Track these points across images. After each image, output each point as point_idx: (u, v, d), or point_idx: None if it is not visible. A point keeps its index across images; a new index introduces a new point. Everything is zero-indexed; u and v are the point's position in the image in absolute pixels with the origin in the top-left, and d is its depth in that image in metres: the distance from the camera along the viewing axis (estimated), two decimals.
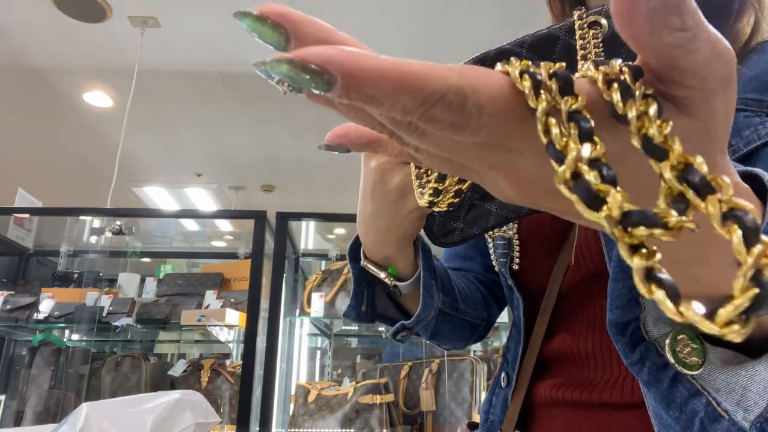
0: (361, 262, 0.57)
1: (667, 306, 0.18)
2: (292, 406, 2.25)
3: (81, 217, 2.98)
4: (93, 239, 2.97)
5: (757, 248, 0.18)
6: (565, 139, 0.20)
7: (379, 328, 3.00)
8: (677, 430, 0.36)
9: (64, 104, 3.87)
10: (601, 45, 0.39)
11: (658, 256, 0.19)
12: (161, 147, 4.59)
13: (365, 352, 3.22)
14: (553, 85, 0.22)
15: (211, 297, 2.52)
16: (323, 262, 2.82)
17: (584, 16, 0.41)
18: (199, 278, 2.66)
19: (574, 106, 0.21)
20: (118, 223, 2.78)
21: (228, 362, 2.49)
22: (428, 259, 0.58)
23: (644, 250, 0.19)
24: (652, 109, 0.21)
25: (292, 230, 2.51)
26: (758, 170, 0.29)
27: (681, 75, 0.22)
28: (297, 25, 0.23)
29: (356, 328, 3.09)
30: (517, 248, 0.61)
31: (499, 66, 0.23)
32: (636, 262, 0.19)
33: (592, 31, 0.39)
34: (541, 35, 0.43)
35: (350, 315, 0.61)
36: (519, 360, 0.61)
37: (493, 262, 0.64)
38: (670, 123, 0.21)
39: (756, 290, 0.18)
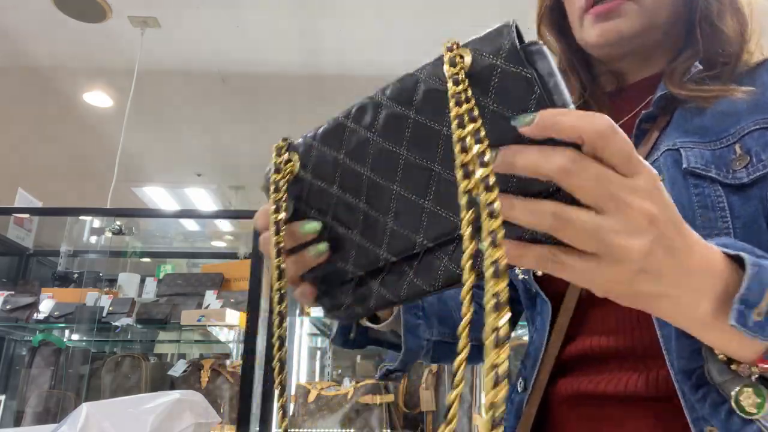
0: None
1: None
2: (292, 406, 2.25)
3: (81, 217, 2.98)
4: (93, 239, 2.97)
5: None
6: None
7: None
8: None
9: (64, 104, 3.87)
10: (466, 80, 0.35)
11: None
12: (161, 147, 4.59)
13: (365, 352, 3.21)
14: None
15: (211, 297, 2.51)
16: None
17: (453, 48, 0.37)
18: (199, 278, 2.66)
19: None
20: (118, 223, 2.78)
21: (228, 362, 2.48)
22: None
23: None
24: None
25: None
26: (741, 253, 0.38)
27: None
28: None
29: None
30: None
31: None
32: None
33: (453, 69, 0.36)
34: (400, 82, 0.40)
35: (336, 342, 0.63)
36: (539, 365, 0.61)
37: (516, 270, 0.63)
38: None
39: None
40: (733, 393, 0.41)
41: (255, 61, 3.38)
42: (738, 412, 0.41)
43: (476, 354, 0.68)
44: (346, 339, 0.62)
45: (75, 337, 2.62)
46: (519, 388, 0.64)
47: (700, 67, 0.59)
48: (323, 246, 0.44)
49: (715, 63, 0.60)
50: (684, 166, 0.53)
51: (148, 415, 0.99)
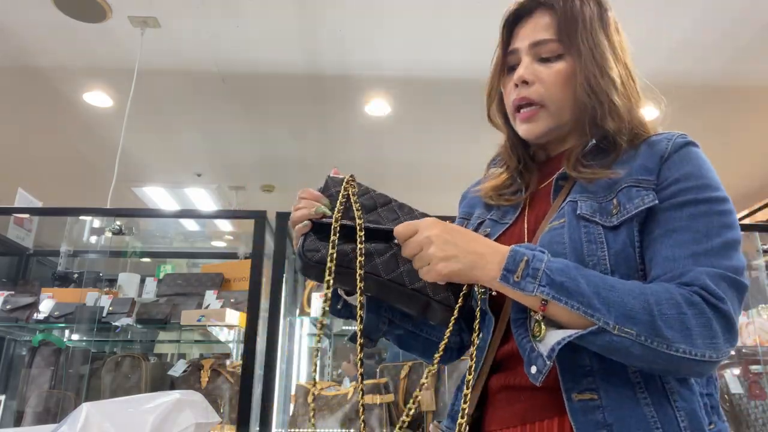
0: None
1: None
2: (292, 406, 2.25)
3: (81, 217, 2.98)
4: (93, 239, 2.97)
5: None
6: None
7: None
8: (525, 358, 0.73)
9: (64, 104, 3.87)
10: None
11: None
12: (161, 147, 4.59)
13: (365, 352, 3.21)
14: None
15: (211, 297, 2.51)
16: None
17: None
18: (199, 278, 2.66)
19: None
20: (118, 223, 2.78)
21: (228, 362, 2.48)
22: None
23: None
24: None
25: (292, 230, 2.51)
26: (514, 246, 0.74)
27: None
28: None
29: (356, 328, 3.09)
30: None
31: None
32: None
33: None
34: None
35: (331, 310, 0.89)
36: (482, 364, 0.83)
37: (477, 291, 0.81)
38: None
39: None
40: (531, 327, 0.73)
41: (255, 61, 3.38)
42: (532, 337, 0.72)
43: (451, 355, 0.97)
44: (334, 309, 0.90)
45: (75, 337, 2.61)
46: (471, 382, 0.85)
47: (594, 142, 0.85)
48: (321, 209, 0.86)
49: (605, 146, 0.84)
50: (578, 212, 0.78)
51: (148, 415, 0.99)
